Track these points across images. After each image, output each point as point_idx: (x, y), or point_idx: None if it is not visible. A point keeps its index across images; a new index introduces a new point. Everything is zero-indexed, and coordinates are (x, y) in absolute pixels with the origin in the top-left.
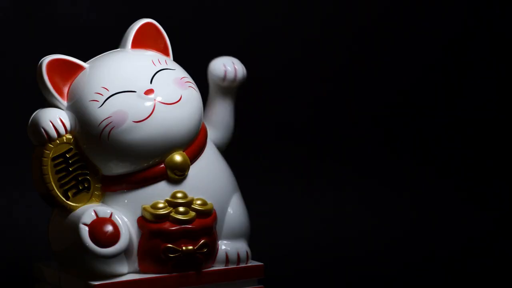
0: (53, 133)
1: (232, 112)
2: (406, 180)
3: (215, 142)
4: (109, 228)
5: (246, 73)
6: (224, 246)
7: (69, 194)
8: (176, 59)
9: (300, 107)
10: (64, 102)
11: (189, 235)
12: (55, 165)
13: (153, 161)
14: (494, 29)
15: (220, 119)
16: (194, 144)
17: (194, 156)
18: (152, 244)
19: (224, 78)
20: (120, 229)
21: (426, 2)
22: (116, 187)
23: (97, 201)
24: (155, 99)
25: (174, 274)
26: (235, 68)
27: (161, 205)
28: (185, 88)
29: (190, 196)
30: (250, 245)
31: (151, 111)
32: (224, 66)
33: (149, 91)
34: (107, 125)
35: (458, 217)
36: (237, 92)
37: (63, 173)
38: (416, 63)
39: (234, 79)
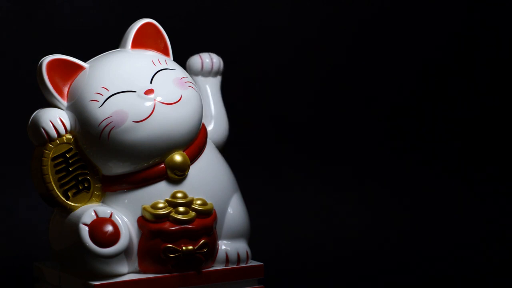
0: (53, 133)
1: (220, 104)
2: (406, 180)
3: (213, 138)
4: (109, 228)
5: (223, 64)
6: (224, 246)
7: (69, 194)
8: (176, 59)
9: (299, 107)
10: (64, 102)
11: (189, 235)
12: (55, 165)
13: (153, 161)
14: (494, 29)
15: (211, 112)
16: (194, 144)
17: (194, 156)
18: (152, 244)
19: (201, 68)
20: (120, 229)
21: (426, 1)
22: (116, 187)
23: (97, 201)
24: (155, 99)
25: (174, 274)
26: (212, 59)
27: (161, 205)
28: (185, 88)
29: (190, 196)
30: (250, 245)
31: (151, 111)
32: (201, 57)
33: (149, 91)
34: (107, 125)
35: (458, 217)
36: (221, 84)
37: (63, 173)
38: (416, 62)
39: (211, 69)
